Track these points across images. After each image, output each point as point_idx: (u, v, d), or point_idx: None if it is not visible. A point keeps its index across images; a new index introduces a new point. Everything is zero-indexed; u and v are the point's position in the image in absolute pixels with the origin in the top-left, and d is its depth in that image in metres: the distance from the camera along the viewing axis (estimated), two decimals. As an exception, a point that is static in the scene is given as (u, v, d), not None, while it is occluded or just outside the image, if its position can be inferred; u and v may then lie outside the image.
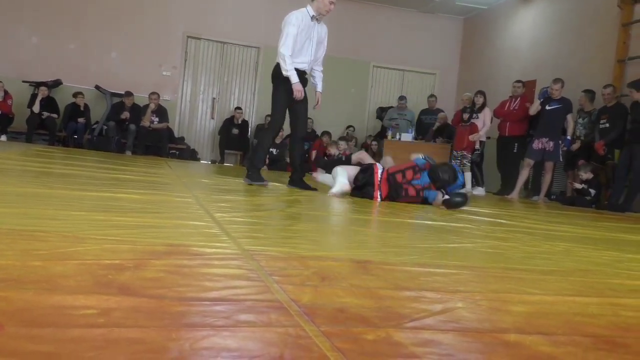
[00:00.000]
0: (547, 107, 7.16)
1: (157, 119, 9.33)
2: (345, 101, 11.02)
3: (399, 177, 4.26)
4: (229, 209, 2.67)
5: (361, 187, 4.31)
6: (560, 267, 1.92)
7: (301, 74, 4.58)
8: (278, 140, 9.56)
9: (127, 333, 0.82)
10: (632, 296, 1.57)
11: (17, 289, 0.98)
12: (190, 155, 9.87)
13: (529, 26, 9.50)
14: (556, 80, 7.12)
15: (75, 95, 9.23)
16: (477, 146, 8.02)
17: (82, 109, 9.25)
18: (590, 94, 7.21)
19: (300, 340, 0.86)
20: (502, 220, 3.67)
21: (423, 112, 10.12)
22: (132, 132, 9.11)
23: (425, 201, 4.35)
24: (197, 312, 0.98)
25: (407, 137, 8.88)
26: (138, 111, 9.29)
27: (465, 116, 8.06)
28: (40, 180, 3.20)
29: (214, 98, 10.68)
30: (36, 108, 8.81)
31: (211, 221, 2.09)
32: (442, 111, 9.76)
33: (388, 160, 4.82)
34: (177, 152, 9.74)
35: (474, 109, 8.06)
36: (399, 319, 1.05)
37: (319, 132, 10.19)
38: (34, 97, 8.94)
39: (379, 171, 4.29)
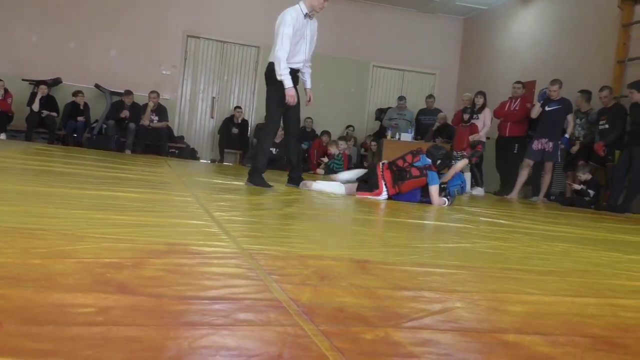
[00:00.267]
0: (547, 108, 7.17)
1: (156, 118, 9.32)
2: (345, 101, 11.02)
3: (400, 162, 4.52)
4: (228, 208, 2.67)
5: (366, 180, 4.50)
6: (558, 268, 1.93)
7: (294, 72, 4.54)
8: (277, 140, 9.55)
9: (125, 331, 0.82)
10: (631, 297, 1.57)
11: (17, 287, 0.98)
12: (189, 154, 9.86)
13: (529, 26, 9.50)
14: (554, 82, 7.13)
15: (74, 94, 9.22)
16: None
17: (81, 107, 9.24)
18: (586, 94, 7.22)
19: (299, 340, 0.86)
20: (501, 221, 3.67)
21: (421, 113, 10.12)
22: (131, 130, 9.10)
23: (427, 200, 4.47)
24: (196, 311, 0.98)
25: (407, 137, 8.88)
26: (138, 110, 9.28)
27: (466, 117, 8.06)
28: (39, 178, 3.20)
29: (213, 97, 10.68)
30: (36, 106, 8.81)
31: (210, 220, 2.09)
32: (441, 111, 9.76)
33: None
34: (177, 151, 9.73)
35: (474, 110, 8.06)
36: (398, 318, 1.05)
37: (318, 132, 10.19)
38: (33, 95, 8.94)
39: (380, 164, 4.58)
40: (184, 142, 10.12)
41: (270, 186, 4.37)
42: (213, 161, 10.17)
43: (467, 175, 7.74)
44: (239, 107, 10.18)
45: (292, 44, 4.41)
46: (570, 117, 7.10)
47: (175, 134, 10.13)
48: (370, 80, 11.35)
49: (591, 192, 6.78)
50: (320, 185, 4.55)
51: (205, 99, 10.68)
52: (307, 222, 2.63)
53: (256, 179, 4.41)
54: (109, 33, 9.81)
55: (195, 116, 10.66)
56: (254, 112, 10.74)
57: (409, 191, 4.47)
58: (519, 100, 7.94)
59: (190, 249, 1.51)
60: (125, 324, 0.85)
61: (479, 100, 8.06)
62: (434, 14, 11.24)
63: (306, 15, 4.49)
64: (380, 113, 10.68)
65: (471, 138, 7.86)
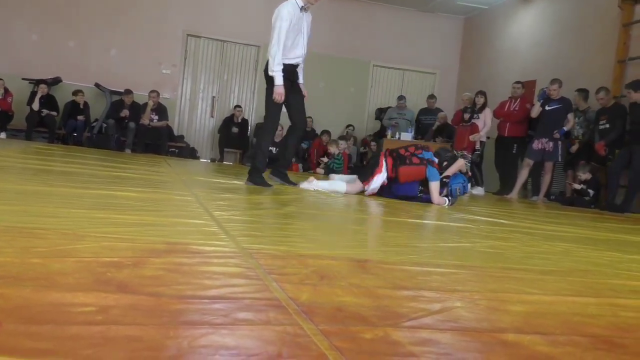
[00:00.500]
0: (547, 108, 7.17)
1: (156, 117, 9.32)
2: (345, 100, 11.02)
3: (402, 151, 4.63)
4: (228, 208, 2.67)
5: (368, 165, 4.65)
6: (559, 267, 1.93)
7: (294, 68, 4.51)
8: (277, 139, 9.56)
9: (125, 330, 0.82)
10: (631, 297, 1.57)
11: (16, 286, 0.98)
12: (189, 153, 9.86)
13: (529, 26, 9.50)
14: (553, 81, 7.12)
15: (74, 93, 9.22)
16: (477, 146, 8.02)
17: (81, 106, 9.23)
18: (583, 92, 7.23)
19: (299, 339, 0.86)
20: (501, 220, 3.67)
21: (422, 112, 10.12)
22: (131, 130, 9.10)
23: (426, 196, 4.49)
24: (196, 310, 0.98)
25: (407, 136, 8.88)
26: (138, 109, 9.28)
27: (466, 116, 8.06)
28: (39, 177, 3.20)
29: (213, 96, 10.67)
30: (36, 106, 8.80)
31: (210, 219, 2.09)
32: (442, 111, 9.76)
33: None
34: (177, 151, 9.73)
35: (474, 109, 8.06)
36: (397, 318, 1.05)
37: (318, 131, 10.19)
38: (33, 94, 8.93)
39: (384, 151, 4.73)
40: (184, 141, 10.11)
41: (270, 185, 4.37)
42: (213, 160, 10.17)
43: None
44: (239, 107, 10.18)
45: (290, 38, 4.38)
46: (570, 116, 7.10)
47: (175, 133, 10.13)
48: (370, 79, 11.34)
49: (591, 191, 6.78)
50: (321, 184, 4.54)
51: (205, 98, 10.67)
52: (307, 222, 2.63)
53: (256, 179, 4.40)
54: (109, 32, 9.81)
55: (195, 115, 10.65)
56: (254, 111, 10.73)
57: (407, 182, 4.47)
58: (518, 100, 7.94)
59: (190, 248, 1.51)
60: (125, 323, 0.85)
61: (480, 100, 8.05)
62: (434, 13, 11.24)
63: (302, 9, 4.45)
64: (380, 113, 10.68)
65: (472, 138, 7.86)
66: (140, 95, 9.44)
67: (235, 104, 10.44)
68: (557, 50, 8.58)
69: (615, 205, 6.35)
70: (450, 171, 4.68)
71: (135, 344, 0.77)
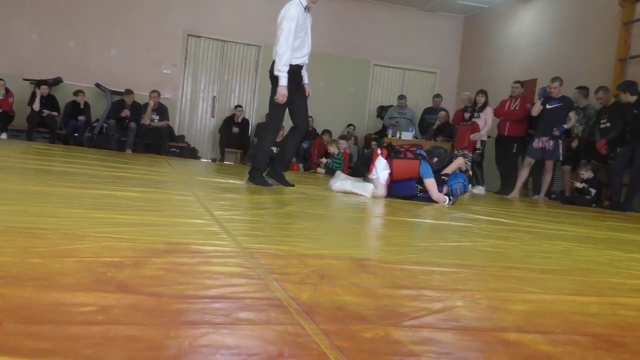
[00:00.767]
0: (548, 106, 7.15)
1: (157, 117, 9.32)
2: (345, 100, 11.01)
3: (397, 147, 4.74)
4: (229, 207, 2.67)
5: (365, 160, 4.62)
6: (560, 266, 1.92)
7: (300, 69, 4.48)
8: (278, 139, 9.54)
9: (125, 330, 0.82)
10: (632, 295, 1.56)
11: (16, 286, 0.98)
12: (190, 153, 9.86)
13: (529, 25, 9.49)
14: (554, 79, 7.11)
15: (75, 93, 9.22)
16: (478, 145, 8.01)
17: (82, 107, 9.24)
18: (584, 90, 7.22)
19: (299, 338, 0.86)
20: (502, 219, 3.67)
21: (427, 112, 10.10)
22: (132, 130, 9.10)
23: (426, 195, 4.50)
24: (196, 310, 0.98)
25: (408, 135, 8.88)
26: (138, 109, 9.29)
27: (467, 115, 8.05)
28: (40, 177, 3.20)
29: (214, 96, 10.67)
30: (36, 106, 8.81)
31: (211, 219, 2.09)
32: (445, 110, 9.75)
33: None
34: (178, 151, 9.73)
35: (475, 108, 8.05)
36: (398, 317, 1.05)
37: (319, 131, 10.19)
38: (34, 94, 8.94)
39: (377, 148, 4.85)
40: (185, 141, 10.11)
41: (270, 185, 4.36)
42: (214, 160, 10.17)
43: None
44: (240, 106, 10.18)
45: (297, 38, 4.35)
46: (572, 115, 7.08)
47: (176, 133, 10.13)
48: (370, 79, 11.34)
49: (592, 190, 6.77)
50: (345, 186, 4.44)
51: (205, 98, 10.67)
52: (308, 221, 2.63)
53: (257, 178, 4.39)
54: (110, 32, 9.81)
55: (196, 115, 10.65)
56: (254, 111, 10.73)
57: (403, 180, 4.48)
58: (518, 100, 7.93)
59: (190, 248, 1.51)
60: (125, 323, 0.85)
61: (481, 99, 8.04)
62: (434, 12, 11.23)
63: (306, 8, 4.44)
64: (382, 110, 10.66)
65: (472, 137, 7.86)
66: (141, 95, 9.44)
67: (235, 103, 10.44)
68: (558, 49, 8.57)
69: (617, 203, 6.34)
70: (450, 169, 4.68)
71: (135, 344, 0.77)
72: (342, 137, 9.82)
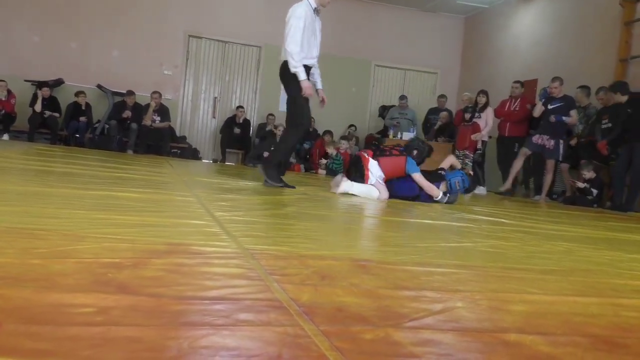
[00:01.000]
0: (549, 106, 7.13)
1: (158, 118, 9.33)
2: (346, 100, 11.01)
3: (382, 146, 4.85)
4: (230, 208, 2.67)
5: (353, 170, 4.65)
6: (560, 267, 1.92)
7: (308, 69, 4.46)
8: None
9: (125, 331, 0.82)
10: (633, 296, 1.56)
11: (16, 287, 0.98)
12: (191, 154, 9.87)
13: (530, 25, 9.49)
14: (554, 79, 7.08)
15: (77, 94, 9.24)
16: (479, 146, 8.00)
17: (83, 108, 9.25)
18: (585, 89, 7.21)
19: (299, 340, 0.86)
20: (503, 220, 3.66)
21: (431, 112, 10.08)
22: (133, 131, 9.11)
23: (425, 197, 4.52)
24: (196, 311, 0.98)
25: (409, 136, 8.87)
26: (140, 110, 9.29)
27: (467, 116, 8.04)
28: (41, 179, 3.20)
29: (215, 97, 10.68)
30: (38, 107, 8.82)
31: (211, 220, 2.09)
32: (444, 110, 9.75)
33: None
34: (179, 151, 9.74)
35: (476, 109, 8.05)
36: (398, 318, 1.05)
37: (320, 132, 10.19)
38: (35, 96, 8.95)
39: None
40: (186, 142, 10.12)
41: (282, 183, 4.31)
42: (215, 161, 10.18)
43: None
44: (241, 107, 10.19)
45: (305, 38, 4.31)
46: (573, 112, 7.03)
47: (177, 134, 10.13)
48: (371, 79, 11.34)
49: (594, 190, 6.76)
50: (350, 189, 4.37)
51: (207, 99, 10.68)
52: (309, 222, 2.63)
53: (271, 174, 4.32)
54: (111, 33, 9.82)
55: (197, 116, 10.66)
56: (255, 111, 10.74)
57: (400, 179, 4.49)
58: (518, 100, 7.92)
59: (191, 249, 1.51)
60: (125, 324, 0.85)
61: (482, 99, 8.03)
62: (435, 12, 11.23)
63: (315, 10, 4.42)
64: (384, 110, 10.66)
65: (473, 137, 7.85)
66: (142, 96, 9.45)
67: (237, 104, 10.44)
68: (558, 49, 8.56)
69: (619, 204, 6.33)
70: (445, 164, 4.71)
71: (135, 345, 0.77)
72: (343, 137, 9.82)
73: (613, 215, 5.61)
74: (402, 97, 10.17)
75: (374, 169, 4.45)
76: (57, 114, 9.04)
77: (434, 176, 4.64)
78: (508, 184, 7.40)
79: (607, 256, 2.31)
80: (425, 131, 9.94)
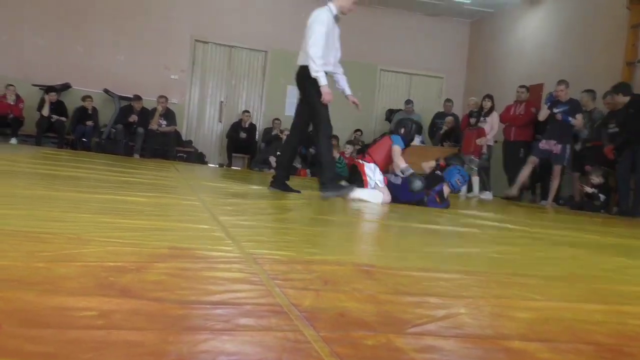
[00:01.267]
0: (555, 110, 7.09)
1: (165, 122, 9.38)
2: (352, 105, 10.99)
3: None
4: (235, 213, 2.68)
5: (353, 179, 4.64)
6: (566, 273, 1.91)
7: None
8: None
9: (125, 335, 0.82)
10: (639, 304, 1.55)
11: (19, 290, 0.98)
12: (197, 158, 9.90)
13: (535, 29, 9.46)
14: (560, 82, 7.04)
15: (83, 98, 9.31)
16: (484, 150, 7.98)
17: (90, 112, 9.32)
18: (591, 93, 7.18)
19: (299, 345, 0.86)
20: (508, 225, 3.64)
21: (438, 116, 10.07)
22: (140, 135, 9.16)
23: (433, 201, 4.55)
24: (197, 316, 0.98)
25: (415, 140, 8.84)
26: (146, 114, 9.34)
27: (472, 120, 8.02)
28: (47, 182, 3.22)
29: (221, 101, 10.72)
30: (45, 111, 8.89)
31: (216, 224, 2.09)
32: (454, 115, 9.73)
33: None
34: (185, 155, 9.78)
35: (481, 113, 8.03)
36: (400, 324, 1.04)
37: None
38: (43, 100, 9.02)
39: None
40: (192, 146, 10.16)
41: (349, 190, 4.23)
42: (221, 165, 10.20)
43: (475, 180, 7.71)
44: (247, 111, 10.22)
45: (325, 44, 4.24)
46: (579, 116, 6.98)
47: (184, 138, 10.18)
48: (377, 83, 11.34)
49: (602, 196, 6.71)
50: (361, 193, 4.36)
51: (213, 103, 10.72)
52: (313, 227, 2.63)
53: (331, 186, 4.19)
54: (117, 38, 9.89)
55: (203, 120, 10.70)
56: (261, 116, 10.77)
57: (400, 184, 4.52)
58: (523, 104, 7.90)
59: (194, 254, 1.51)
60: (126, 327, 0.86)
61: (487, 104, 8.02)
62: (440, 17, 11.23)
63: (335, 17, 4.38)
64: (391, 114, 10.65)
65: (478, 141, 7.83)
66: (149, 100, 9.50)
67: (243, 109, 10.48)
68: (564, 53, 8.54)
69: (627, 209, 6.28)
70: (427, 166, 4.76)
71: (135, 349, 0.77)
72: (349, 142, 9.82)
73: (620, 220, 5.56)
74: (408, 102, 10.17)
75: (371, 172, 4.46)
76: (64, 118, 9.11)
77: (434, 179, 4.67)
78: (515, 189, 7.36)
79: (613, 262, 2.30)
80: (431, 135, 9.92)
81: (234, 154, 10.07)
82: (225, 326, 0.91)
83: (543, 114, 7.28)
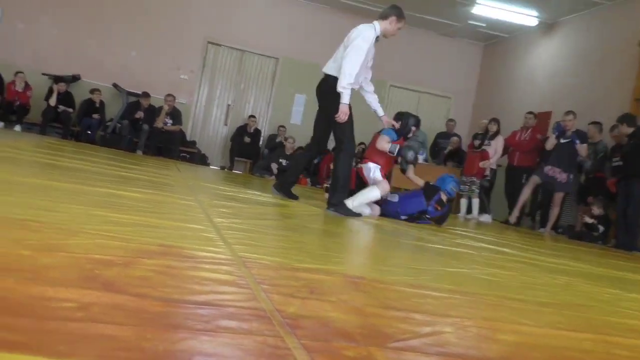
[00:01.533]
0: (562, 140, 7.07)
1: (170, 121, 9.40)
2: (360, 119, 10.96)
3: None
4: (230, 215, 2.67)
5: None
6: (557, 300, 1.89)
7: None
8: (289, 152, 9.57)
9: (103, 329, 0.81)
10: (628, 335, 1.53)
11: (0, 277, 0.97)
12: (200, 159, 9.91)
13: (548, 57, 9.49)
14: (568, 113, 7.05)
15: (92, 91, 9.34)
16: (487, 173, 7.96)
17: (97, 105, 9.35)
18: (598, 125, 7.18)
19: (279, 351, 0.85)
20: (505, 249, 3.63)
21: (440, 136, 10.07)
22: (144, 132, 9.18)
23: (432, 210, 4.64)
24: (179, 314, 0.97)
25: (419, 158, 8.83)
26: (153, 112, 9.37)
27: (476, 143, 8.02)
28: (46, 172, 3.22)
29: (228, 104, 10.75)
30: (53, 101, 8.91)
31: (209, 225, 2.08)
32: (458, 135, 9.73)
33: None
34: (188, 156, 9.79)
35: (486, 136, 8.03)
36: (384, 338, 1.03)
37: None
38: (51, 89, 9.05)
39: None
40: (196, 147, 10.17)
41: (360, 215, 4.08)
42: (223, 168, 10.20)
43: (475, 202, 7.69)
44: (253, 116, 10.23)
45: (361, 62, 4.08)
46: (584, 146, 6.95)
47: (188, 138, 10.19)
48: (386, 99, 11.36)
49: (601, 227, 6.69)
50: (357, 201, 4.29)
51: (220, 106, 10.75)
52: (307, 235, 2.62)
53: (343, 209, 4.00)
54: (130, 33, 9.94)
55: (209, 122, 10.72)
56: (267, 122, 10.78)
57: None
58: (529, 130, 7.91)
59: (183, 252, 1.50)
60: (104, 321, 0.84)
61: (493, 127, 8.01)
62: (453, 37, 11.26)
63: (377, 38, 4.27)
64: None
65: (481, 164, 7.81)
66: (156, 98, 9.53)
67: (249, 113, 10.49)
68: (574, 84, 8.55)
69: (624, 242, 6.24)
70: (418, 181, 4.84)
71: (111, 343, 0.76)
72: (355, 155, 9.80)
73: (617, 253, 5.54)
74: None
75: (369, 172, 4.52)
76: (70, 109, 9.13)
77: (430, 190, 4.74)
78: (516, 213, 7.33)
79: (607, 293, 2.28)
80: (433, 155, 9.91)
81: (236, 158, 10.07)
82: (206, 327, 0.90)
83: (550, 143, 7.24)
